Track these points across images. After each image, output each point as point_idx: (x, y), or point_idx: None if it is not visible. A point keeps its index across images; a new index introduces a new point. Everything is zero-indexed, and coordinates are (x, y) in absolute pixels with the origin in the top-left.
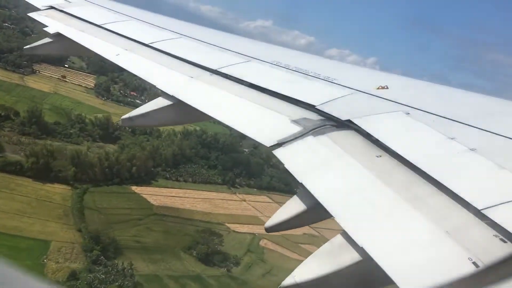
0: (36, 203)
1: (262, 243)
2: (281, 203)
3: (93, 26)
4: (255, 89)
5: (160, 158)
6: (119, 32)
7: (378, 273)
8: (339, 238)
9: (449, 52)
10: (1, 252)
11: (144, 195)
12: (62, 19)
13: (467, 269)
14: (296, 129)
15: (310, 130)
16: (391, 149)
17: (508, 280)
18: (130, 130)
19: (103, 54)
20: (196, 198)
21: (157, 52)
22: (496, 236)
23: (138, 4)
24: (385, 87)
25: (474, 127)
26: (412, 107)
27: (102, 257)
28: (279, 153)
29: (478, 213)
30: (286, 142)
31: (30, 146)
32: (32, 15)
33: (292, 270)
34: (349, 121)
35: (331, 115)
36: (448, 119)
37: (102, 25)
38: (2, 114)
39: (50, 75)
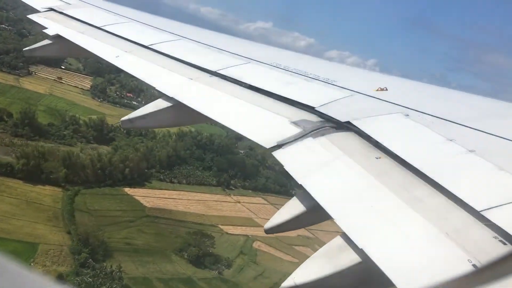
0: (25, 205)
1: (256, 245)
2: (276, 205)
3: (92, 28)
4: (254, 90)
5: (154, 159)
6: (119, 34)
7: (378, 274)
8: (338, 239)
9: (448, 54)
10: None
11: (136, 197)
12: (62, 21)
13: (466, 270)
14: (295, 130)
15: (310, 132)
16: (390, 151)
17: (507, 281)
18: (124, 131)
19: (102, 56)
20: (190, 199)
21: (156, 54)
22: (495, 237)
23: (137, 6)
24: (384, 88)
25: (473, 128)
26: (411, 108)
27: (90, 259)
28: (278, 154)
29: (477, 215)
30: (286, 143)
31: (21, 147)
32: (32, 17)
33: (285, 272)
34: (349, 122)
35: (331, 117)
36: (447, 120)
37: (101, 27)
38: None
39: (46, 76)
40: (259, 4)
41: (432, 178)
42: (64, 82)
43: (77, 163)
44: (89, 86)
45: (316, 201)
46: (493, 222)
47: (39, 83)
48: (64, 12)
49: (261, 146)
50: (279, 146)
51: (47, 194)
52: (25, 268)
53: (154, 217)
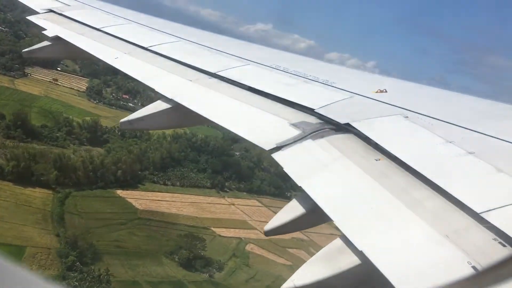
0: (14, 207)
1: (248, 247)
2: (271, 207)
3: (92, 29)
4: (254, 92)
5: (147, 161)
6: (118, 36)
7: (377, 276)
8: (338, 241)
9: (448, 56)
10: None
11: (129, 199)
12: (61, 22)
13: (466, 272)
14: (295, 132)
15: (309, 134)
16: (390, 153)
17: (507, 283)
18: (119, 133)
19: (102, 57)
20: (183, 202)
21: (156, 55)
22: (495, 239)
23: (137, 7)
24: (384, 90)
25: (473, 130)
26: (410, 110)
27: (78, 263)
28: (278, 156)
29: (477, 217)
30: (285, 145)
31: (12, 149)
32: (31, 18)
33: (277, 275)
34: (348, 124)
35: (330, 119)
36: (447, 122)
37: (101, 29)
38: None
39: (42, 78)
40: (259, 6)
41: (432, 180)
42: (59, 83)
43: (68, 165)
44: (85, 88)
45: (315, 203)
46: (492, 224)
47: (34, 84)
48: (63, 13)
49: (260, 148)
50: (278, 148)
51: (37, 196)
52: (22, 269)
53: (146, 219)
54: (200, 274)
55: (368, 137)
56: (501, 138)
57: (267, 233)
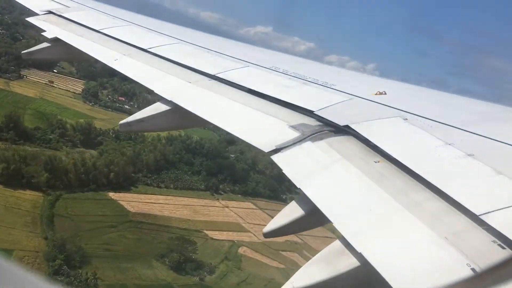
0: (3, 210)
1: (241, 250)
2: (265, 210)
3: (91, 31)
4: (253, 94)
5: (141, 163)
6: (118, 37)
7: (377, 279)
8: (337, 243)
9: (448, 58)
10: None
11: (121, 202)
12: (61, 24)
13: (465, 274)
14: (294, 134)
15: (308, 136)
16: (389, 155)
17: (506, 286)
18: (113, 135)
19: (101, 59)
20: (176, 204)
21: (155, 57)
22: (494, 242)
23: (137, 10)
24: (383, 92)
25: (472, 132)
26: (410, 112)
27: (65, 266)
28: (277, 158)
29: (476, 219)
30: (284, 147)
31: (2, 151)
32: (30, 19)
33: (269, 278)
34: (347, 126)
35: (329, 121)
36: (446, 124)
37: (100, 30)
38: None
39: (37, 80)
40: (259, 9)
41: (431, 182)
42: (55, 85)
43: (60, 167)
44: (81, 90)
45: (314, 205)
46: (492, 226)
47: (30, 86)
48: (62, 15)
49: (258, 150)
50: (277, 150)
51: (27, 199)
52: (20, 269)
53: (137, 222)
54: (191, 277)
55: (368, 139)
56: (500, 140)
57: (266, 235)
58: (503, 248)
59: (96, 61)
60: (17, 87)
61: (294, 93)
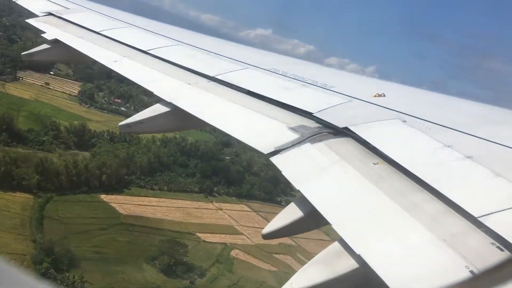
0: None
1: (233, 253)
2: (260, 212)
3: (91, 32)
4: (252, 96)
5: (135, 166)
6: (118, 39)
7: (375, 280)
8: (336, 245)
9: (447, 61)
10: None
11: (112, 204)
12: (60, 25)
13: (464, 276)
14: (293, 136)
15: (308, 138)
16: (388, 156)
17: None
18: (108, 137)
19: (101, 60)
20: (169, 207)
21: (155, 58)
22: (493, 244)
23: (137, 12)
24: (382, 94)
25: (471, 135)
26: (409, 114)
27: (52, 269)
28: (276, 160)
29: (475, 221)
30: (284, 149)
31: None
32: (30, 21)
33: (261, 281)
34: (346, 128)
35: (329, 123)
36: (445, 126)
37: (100, 32)
38: None
39: (33, 82)
40: (259, 12)
41: (430, 184)
42: (51, 87)
43: (51, 170)
44: (77, 92)
45: (313, 207)
46: (490, 228)
47: (25, 88)
48: (62, 16)
49: (257, 152)
50: (277, 151)
51: (17, 201)
52: (17, 269)
53: (129, 224)
54: (181, 280)
55: (367, 141)
56: (499, 142)
57: (265, 236)
58: (502, 250)
59: (96, 62)
60: (12, 89)
61: (293, 95)
